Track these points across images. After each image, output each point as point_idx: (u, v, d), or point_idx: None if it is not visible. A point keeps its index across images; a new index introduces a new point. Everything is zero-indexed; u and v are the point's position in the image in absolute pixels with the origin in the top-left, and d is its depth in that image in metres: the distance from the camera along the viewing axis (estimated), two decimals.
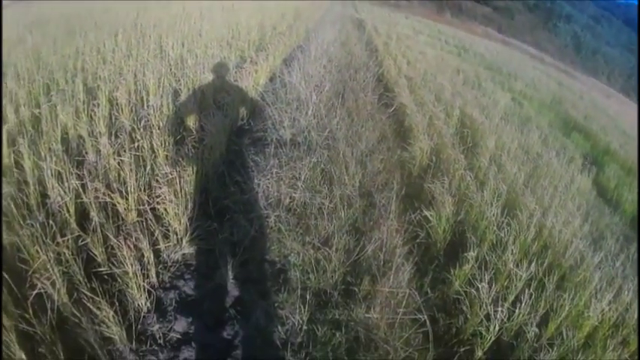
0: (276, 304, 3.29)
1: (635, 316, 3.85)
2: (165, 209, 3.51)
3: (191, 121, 5.20)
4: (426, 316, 3.33)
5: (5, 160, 3.72)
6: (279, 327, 3.15)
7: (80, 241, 3.16)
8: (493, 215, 4.56)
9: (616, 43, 58.30)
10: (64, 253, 2.93)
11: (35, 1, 14.43)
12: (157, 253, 3.36)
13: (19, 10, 12.58)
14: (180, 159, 4.19)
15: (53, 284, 2.72)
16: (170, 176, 3.72)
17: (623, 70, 48.80)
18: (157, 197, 3.61)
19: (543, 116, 13.03)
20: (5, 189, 3.37)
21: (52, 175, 3.46)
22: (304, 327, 3.15)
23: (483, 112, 8.57)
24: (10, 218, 3.12)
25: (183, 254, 3.48)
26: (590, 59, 51.64)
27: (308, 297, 3.26)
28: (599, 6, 70.26)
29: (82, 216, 3.45)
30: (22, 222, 3.10)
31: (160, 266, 3.33)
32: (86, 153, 4.17)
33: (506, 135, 7.58)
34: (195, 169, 3.97)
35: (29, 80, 5.21)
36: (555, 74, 32.06)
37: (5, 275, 2.68)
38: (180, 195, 3.59)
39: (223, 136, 4.96)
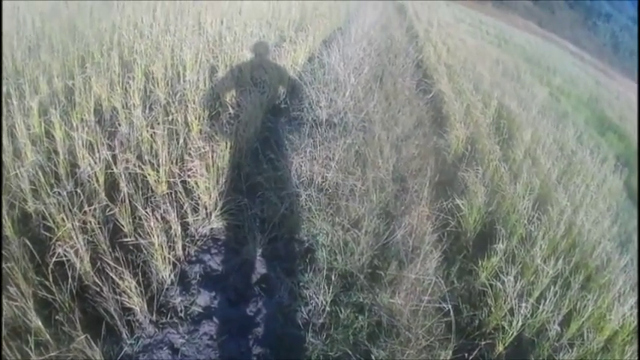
0: (301, 284, 3.29)
1: None
2: (196, 183, 3.50)
3: (227, 97, 5.17)
4: (450, 306, 3.30)
5: (36, 130, 3.74)
6: (303, 307, 3.16)
7: (107, 211, 3.17)
8: (524, 209, 4.52)
9: None
10: (90, 222, 2.92)
11: None
12: (184, 226, 3.36)
13: None
14: (214, 134, 4.18)
15: (76, 252, 2.72)
16: (203, 150, 3.73)
17: None
18: (188, 170, 3.61)
19: (579, 113, 12.85)
20: (33, 158, 3.39)
21: (83, 145, 3.45)
22: (327, 308, 3.15)
23: (521, 105, 8.45)
24: (38, 187, 3.12)
25: (212, 228, 3.48)
26: (627, 60, 50.53)
27: (333, 278, 3.26)
28: (638, 8, 68.60)
29: (112, 187, 3.45)
30: (49, 190, 3.10)
31: (187, 239, 3.33)
32: (119, 125, 4.17)
33: (542, 129, 7.49)
34: (228, 144, 3.94)
35: (63, 52, 5.22)
36: (593, 72, 31.49)
37: (28, 242, 2.70)
38: (212, 169, 3.58)
39: (259, 113, 4.93)
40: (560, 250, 4.27)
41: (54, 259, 2.67)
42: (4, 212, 2.82)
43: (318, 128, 5.04)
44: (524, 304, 3.37)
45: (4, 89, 4.01)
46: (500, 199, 4.70)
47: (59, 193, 3.09)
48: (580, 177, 6.22)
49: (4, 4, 5.57)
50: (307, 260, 3.49)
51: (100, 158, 3.37)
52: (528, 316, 3.41)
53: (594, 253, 4.44)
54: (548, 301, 3.47)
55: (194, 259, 3.26)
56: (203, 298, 3.00)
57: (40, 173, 3.18)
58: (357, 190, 4.12)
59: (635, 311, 3.73)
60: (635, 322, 3.68)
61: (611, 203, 6.22)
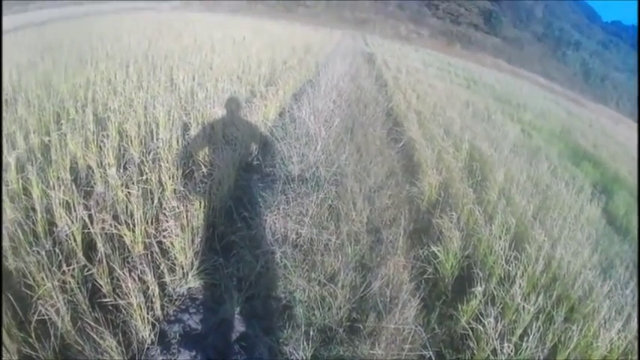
0: (280, 340, 3.27)
1: None
2: (172, 243, 3.52)
3: (200, 156, 5.22)
4: (432, 353, 3.30)
5: (14, 186, 3.77)
6: None
7: (86, 270, 3.19)
8: (501, 249, 4.52)
9: (624, 68, 58.43)
10: (69, 282, 2.96)
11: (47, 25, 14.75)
12: (162, 286, 3.37)
13: (31, 35, 12.80)
14: (188, 193, 4.22)
15: (57, 311, 2.76)
16: (177, 210, 3.76)
17: (631, 95, 48.79)
18: (163, 230, 3.64)
19: (553, 146, 12.98)
20: (12, 215, 3.40)
21: (60, 204, 3.51)
22: None
23: (492, 145, 8.53)
24: (17, 244, 3.17)
25: (189, 288, 3.48)
26: (599, 86, 51.81)
27: (312, 333, 3.26)
28: (608, 31, 70.59)
29: (89, 246, 3.49)
30: (28, 249, 3.14)
31: (165, 299, 3.34)
32: (94, 184, 4.20)
33: (515, 167, 7.54)
34: (202, 203, 3.99)
35: (39, 108, 5.28)
36: (565, 103, 32.13)
37: (11, 297, 2.73)
38: (187, 229, 3.61)
39: (232, 171, 4.97)
40: (540, 285, 4.26)
41: (36, 317, 2.71)
42: None
43: (290, 184, 5.09)
44: (506, 344, 3.36)
45: None
46: (476, 242, 4.73)
47: (38, 252, 3.11)
48: (556, 210, 6.24)
49: None
50: (285, 317, 3.48)
51: (76, 217, 3.42)
52: (512, 354, 3.40)
53: (576, 284, 4.41)
54: (531, 337, 3.45)
55: (173, 318, 3.25)
56: (183, 358, 2.99)
57: (19, 230, 3.23)
58: (332, 245, 4.15)
59: (624, 334, 3.73)
60: (625, 344, 3.69)
61: (590, 232, 6.22)
